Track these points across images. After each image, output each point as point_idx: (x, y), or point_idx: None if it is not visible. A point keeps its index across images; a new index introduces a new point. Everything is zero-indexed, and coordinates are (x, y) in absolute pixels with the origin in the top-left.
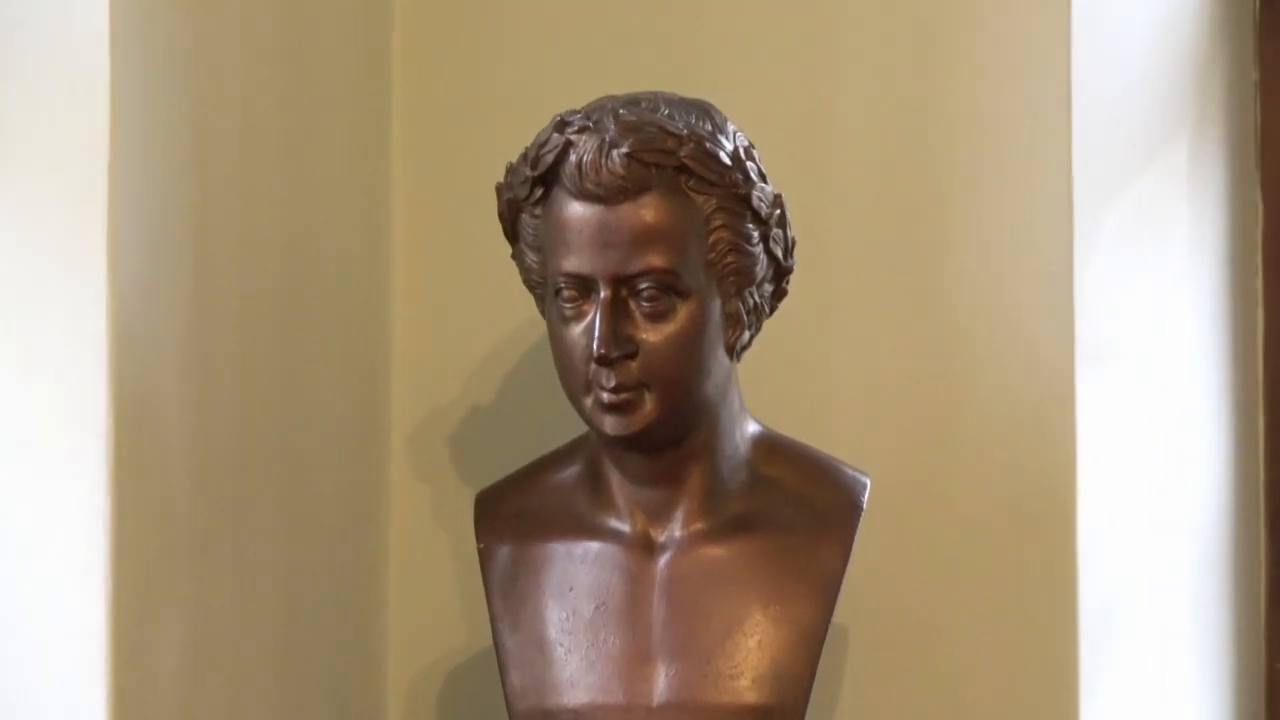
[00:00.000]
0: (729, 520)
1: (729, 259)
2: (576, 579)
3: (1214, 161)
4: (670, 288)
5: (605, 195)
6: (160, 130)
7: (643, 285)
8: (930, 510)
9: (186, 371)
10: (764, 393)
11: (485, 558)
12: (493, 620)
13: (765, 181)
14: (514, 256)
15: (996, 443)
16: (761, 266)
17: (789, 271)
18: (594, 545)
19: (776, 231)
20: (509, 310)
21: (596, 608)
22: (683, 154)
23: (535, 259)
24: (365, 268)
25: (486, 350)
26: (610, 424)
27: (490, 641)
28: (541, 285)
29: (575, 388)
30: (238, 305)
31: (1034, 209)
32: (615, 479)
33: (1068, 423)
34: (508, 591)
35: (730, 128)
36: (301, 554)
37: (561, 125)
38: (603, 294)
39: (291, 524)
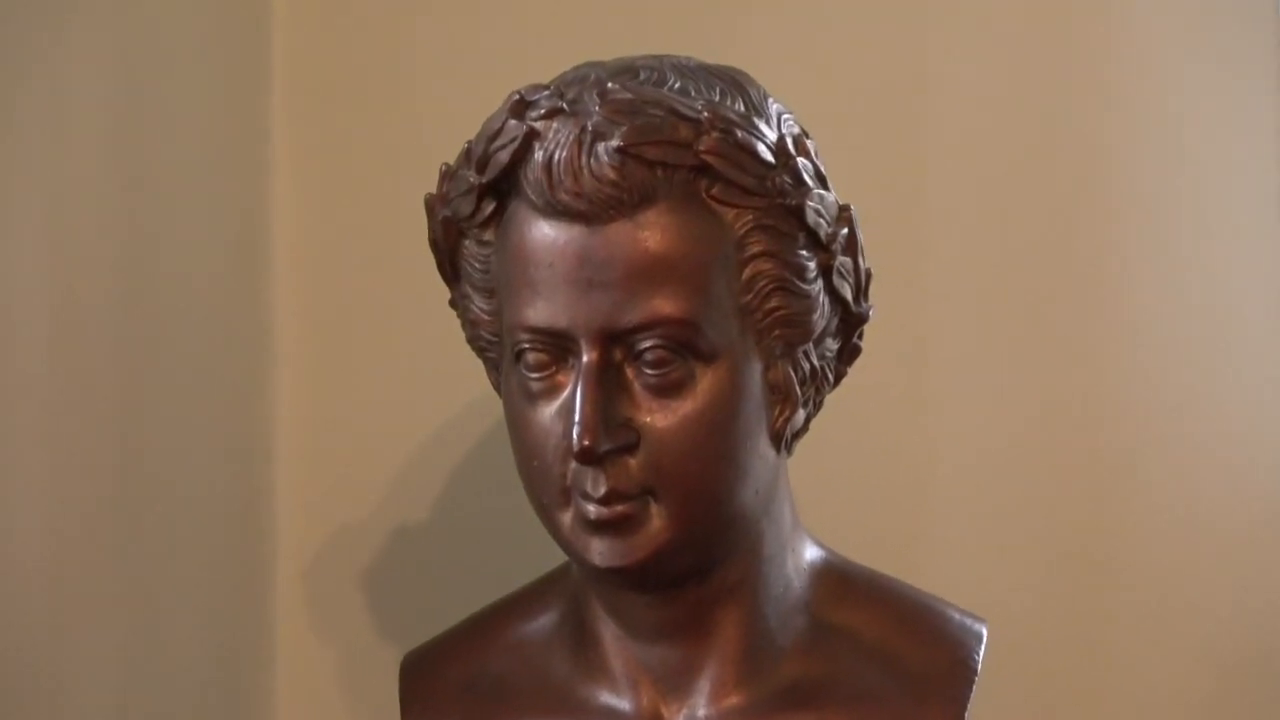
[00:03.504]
0: (780, 691)
1: (773, 303)
2: None
3: None
4: (686, 347)
5: (588, 210)
6: None
7: (646, 344)
8: (1079, 679)
9: None
10: (828, 502)
11: None
12: None
13: (826, 187)
14: (454, 303)
15: (1180, 583)
16: (821, 313)
17: (862, 320)
18: None
19: (843, 261)
20: (445, 381)
21: None
22: (702, 147)
23: (485, 307)
24: (233, 328)
25: (409, 441)
26: (600, 551)
27: None
28: (495, 346)
29: (546, 498)
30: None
31: (1238, 233)
32: (609, 633)
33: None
34: None
35: (773, 108)
36: None
37: (521, 107)
38: (585, 358)
39: (135, 698)
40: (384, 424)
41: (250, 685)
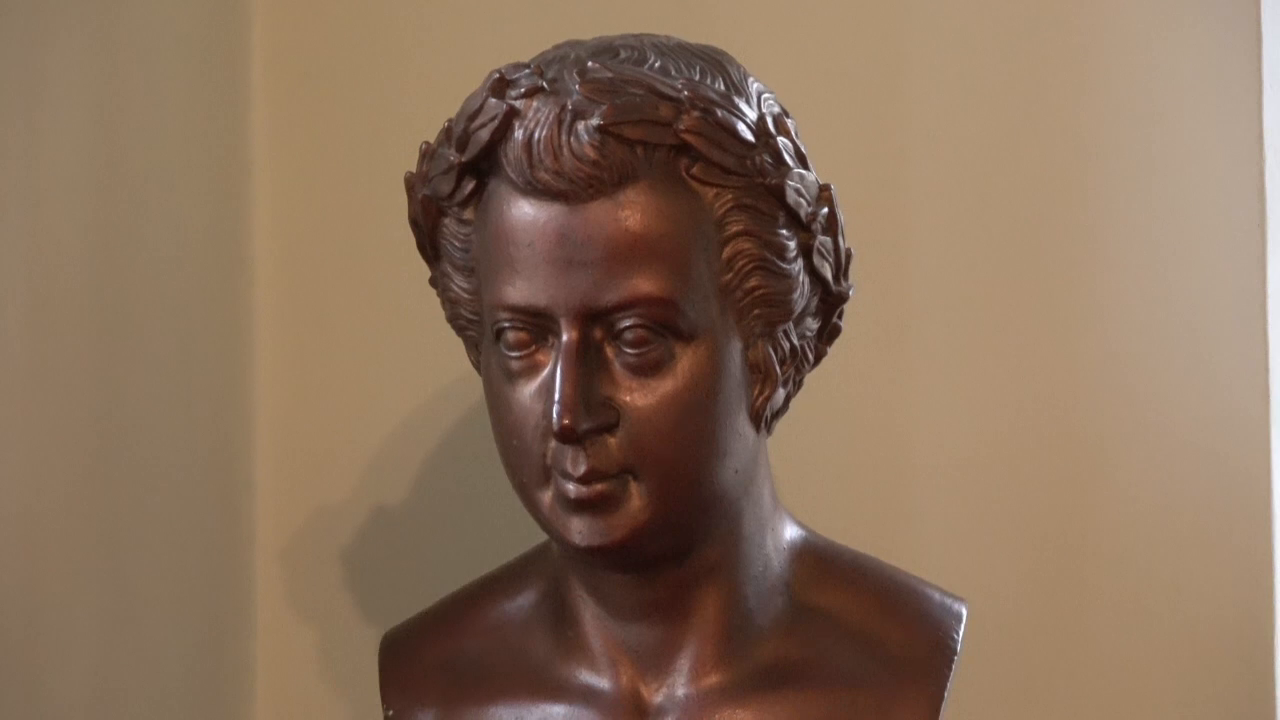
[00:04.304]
0: (760, 671)
1: (753, 282)
2: None
3: None
4: (666, 326)
5: (568, 190)
6: None
7: (625, 323)
8: (1057, 656)
9: None
10: (808, 482)
11: None
12: None
13: (806, 166)
14: (434, 282)
15: (1153, 560)
16: (801, 292)
17: (842, 299)
18: (558, 710)
19: (823, 240)
20: (425, 360)
21: None
22: (683, 126)
23: (465, 286)
24: (213, 308)
25: (390, 421)
26: (580, 530)
27: None
28: (475, 325)
29: (526, 477)
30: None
31: (1206, 214)
32: (588, 612)
33: (1261, 528)
34: None
35: (754, 87)
36: (124, 715)
37: (501, 86)
38: (565, 337)
39: (112, 679)
40: (363, 405)
41: (230, 667)
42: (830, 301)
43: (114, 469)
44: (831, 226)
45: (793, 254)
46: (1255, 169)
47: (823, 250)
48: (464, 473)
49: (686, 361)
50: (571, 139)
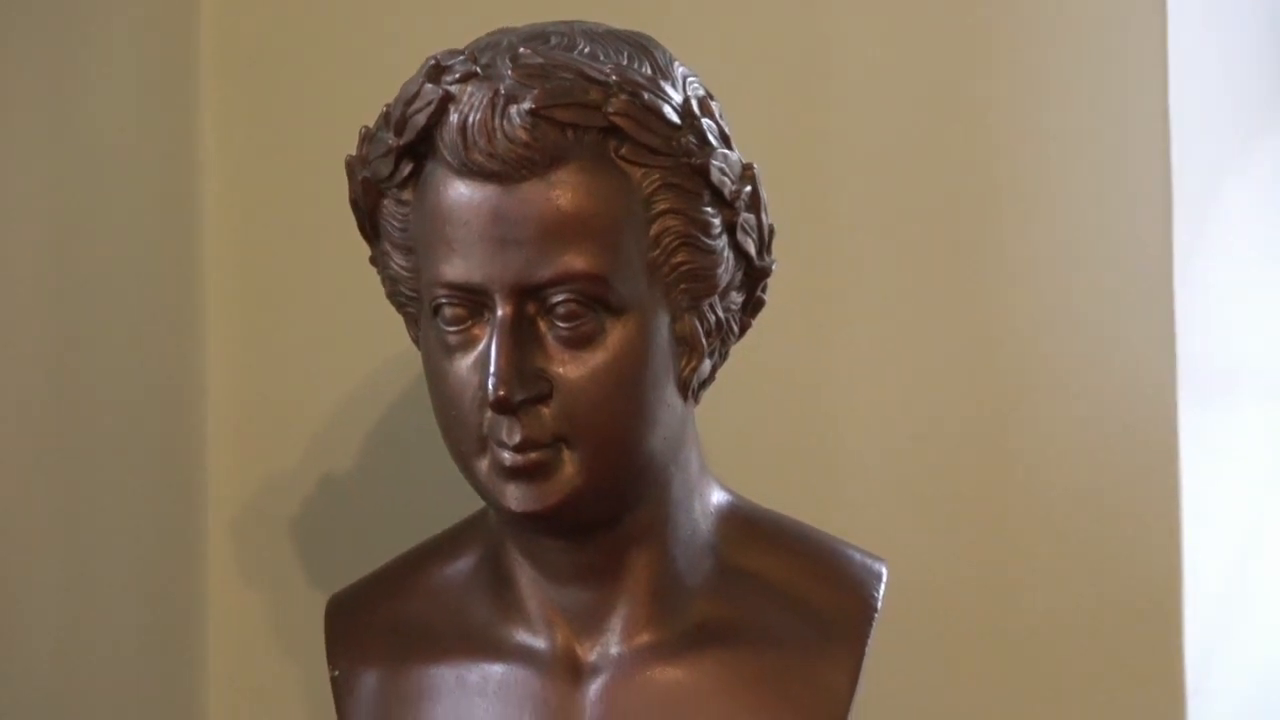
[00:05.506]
0: (689, 630)
1: (680, 258)
2: (472, 717)
3: None
4: (597, 301)
5: (501, 171)
6: None
7: (558, 298)
8: (974, 611)
9: None
10: (734, 449)
11: (342, 688)
12: None
13: (730, 146)
14: (374, 260)
15: (1066, 517)
16: (726, 267)
17: (765, 273)
18: (496, 669)
19: (746, 217)
20: (367, 336)
21: None
22: (611, 109)
23: (404, 264)
24: (164, 287)
25: (335, 395)
26: (515, 496)
27: None
28: (414, 301)
29: (464, 446)
30: None
31: (1117, 189)
32: (525, 575)
33: (1168, 487)
34: None
35: (679, 70)
36: (83, 685)
37: (437, 72)
38: (500, 312)
39: (69, 642)
40: (308, 379)
41: (184, 630)
42: (754, 276)
43: (71, 443)
44: (754, 204)
45: (717, 230)
46: (1162, 145)
47: (746, 227)
48: (405, 443)
49: (616, 335)
50: (504, 122)
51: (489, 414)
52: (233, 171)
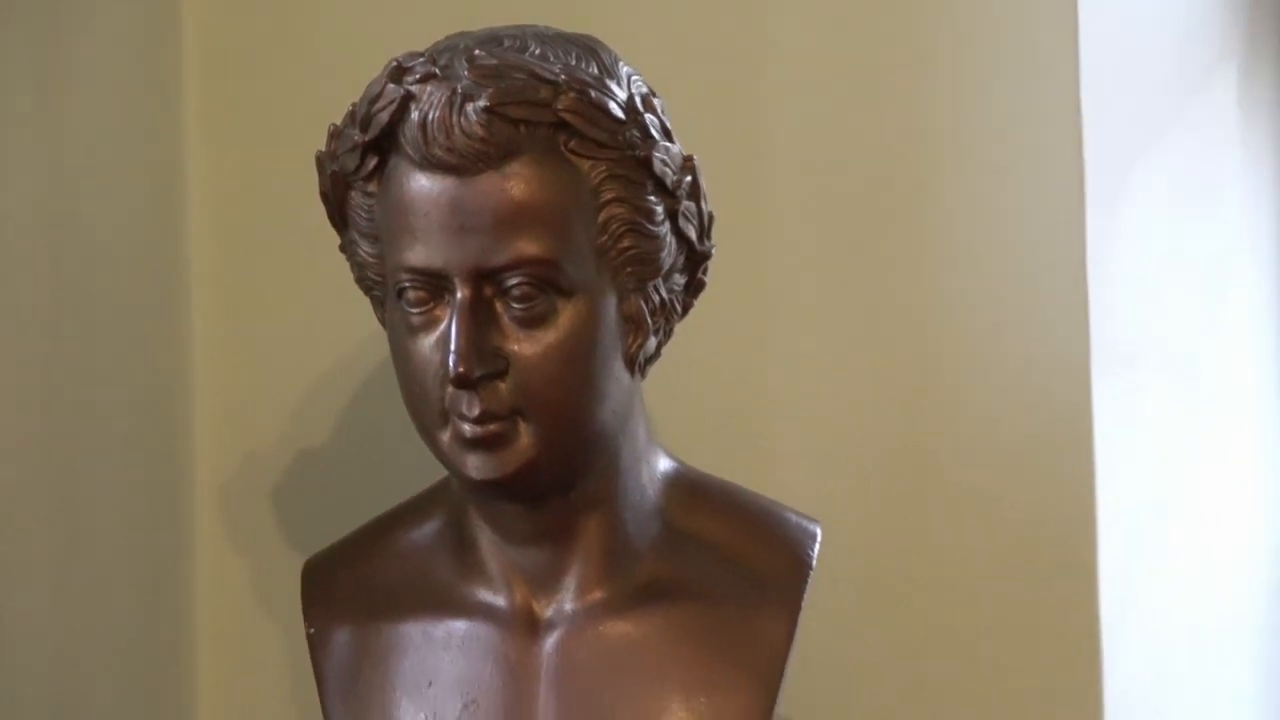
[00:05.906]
0: (638, 588)
1: (625, 243)
2: (438, 670)
3: (1272, 97)
4: (549, 284)
5: (459, 164)
6: None
7: (512, 281)
8: (903, 568)
9: None
10: (679, 420)
11: (317, 645)
12: None
13: (671, 140)
14: (343, 248)
15: (989, 478)
16: (669, 251)
17: (706, 257)
18: (459, 625)
19: (687, 205)
20: (340, 319)
21: (464, 707)
22: (560, 106)
23: (370, 251)
24: (151, 272)
25: (311, 373)
26: (475, 465)
27: None
28: (380, 285)
29: (427, 419)
30: None
31: (1034, 175)
32: (485, 538)
33: (1083, 450)
34: (348, 688)
35: (623, 70)
36: (78, 646)
37: (399, 73)
38: (460, 294)
39: (64, 605)
40: (287, 359)
41: (173, 594)
42: (695, 259)
43: (64, 420)
44: (695, 193)
45: (660, 218)
46: (1075, 134)
47: (687, 214)
48: (375, 417)
49: (568, 315)
50: (461, 119)
51: (450, 389)
52: (217, 169)
